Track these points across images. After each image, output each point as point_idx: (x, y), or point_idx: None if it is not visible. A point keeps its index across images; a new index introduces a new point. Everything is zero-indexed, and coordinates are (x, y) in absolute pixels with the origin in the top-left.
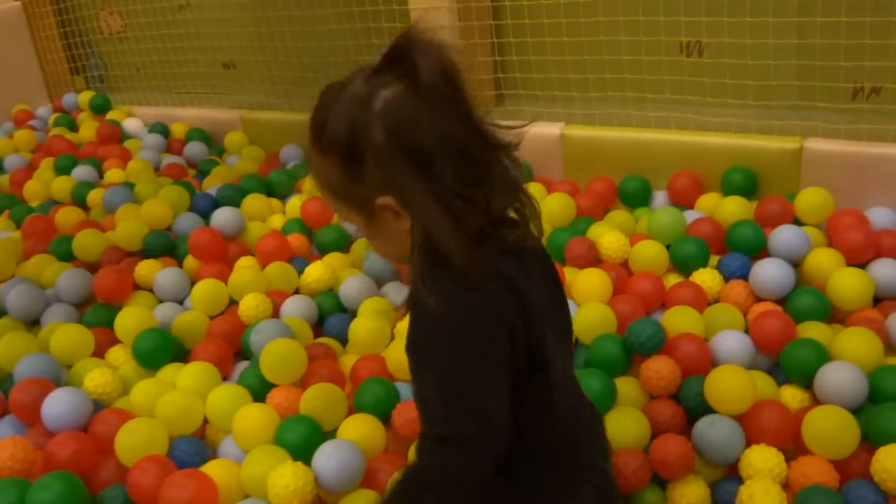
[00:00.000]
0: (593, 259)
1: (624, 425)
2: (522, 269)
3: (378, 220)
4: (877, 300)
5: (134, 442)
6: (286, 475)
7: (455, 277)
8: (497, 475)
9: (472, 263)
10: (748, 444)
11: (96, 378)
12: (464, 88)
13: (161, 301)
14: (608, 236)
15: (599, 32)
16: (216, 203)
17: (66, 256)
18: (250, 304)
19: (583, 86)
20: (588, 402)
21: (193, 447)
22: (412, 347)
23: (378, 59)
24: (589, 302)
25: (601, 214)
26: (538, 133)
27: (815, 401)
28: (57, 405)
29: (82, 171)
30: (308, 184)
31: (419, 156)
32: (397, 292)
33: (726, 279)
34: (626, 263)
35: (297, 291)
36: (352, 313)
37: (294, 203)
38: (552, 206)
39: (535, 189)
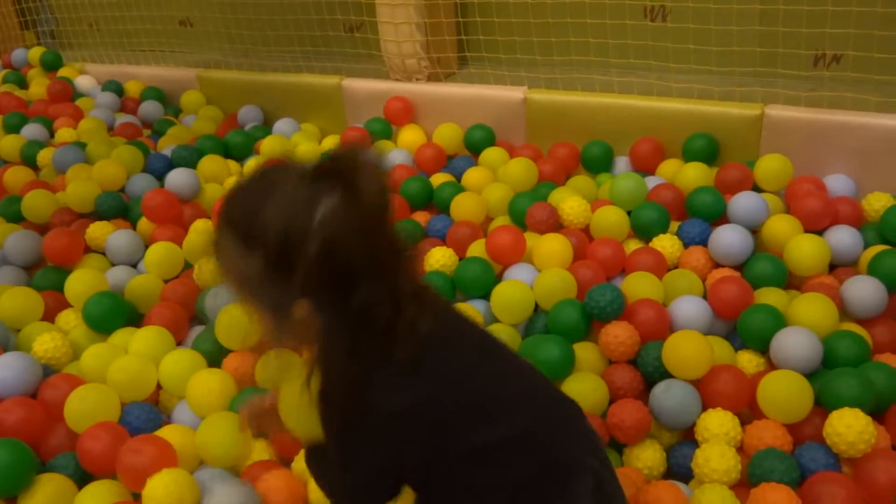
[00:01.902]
0: (554, 224)
1: (583, 390)
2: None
3: (287, 319)
4: (832, 267)
5: (84, 408)
6: None
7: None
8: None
9: (353, 387)
10: (704, 408)
11: (46, 342)
12: (391, 208)
13: (113, 264)
14: (570, 202)
15: None
16: (171, 164)
17: (16, 217)
18: (206, 268)
19: (546, 49)
20: (561, 402)
21: (146, 413)
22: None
23: (317, 162)
24: (549, 268)
25: (563, 179)
26: (501, 96)
27: (771, 366)
28: (4, 370)
29: (32, 130)
30: (265, 146)
31: (348, 271)
32: None
33: (686, 245)
34: (588, 229)
35: None
36: None
37: (251, 164)
38: (514, 171)
39: (496, 153)
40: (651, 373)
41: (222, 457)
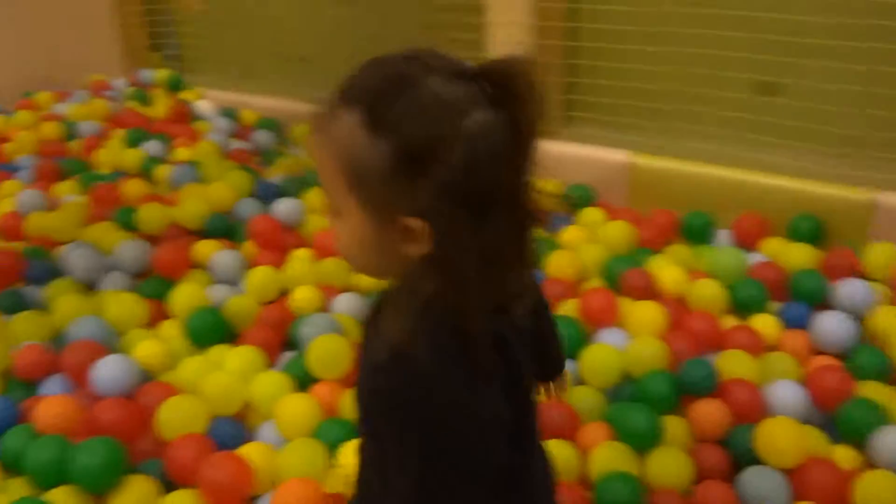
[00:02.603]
0: (650, 292)
1: (667, 465)
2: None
3: (387, 232)
4: None
5: (175, 418)
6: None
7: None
8: None
9: (482, 337)
10: (794, 500)
11: (146, 349)
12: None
13: (215, 282)
14: (668, 270)
15: (676, 63)
16: (278, 192)
17: (129, 226)
18: (303, 296)
19: (653, 115)
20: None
21: (233, 429)
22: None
23: (480, 66)
24: (642, 335)
25: (661, 247)
26: (604, 158)
27: (869, 464)
28: (107, 370)
29: (152, 146)
30: None
31: (484, 200)
32: None
33: (785, 327)
34: (684, 300)
35: (347, 290)
36: None
37: None
38: (612, 233)
39: (595, 214)
40: (740, 456)
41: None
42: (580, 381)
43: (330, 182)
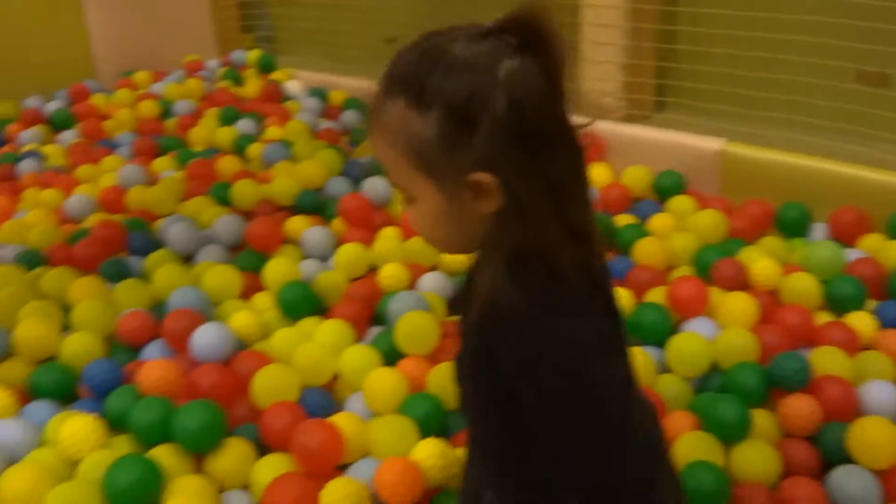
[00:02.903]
0: (741, 283)
1: (753, 458)
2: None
3: (459, 198)
4: None
5: (269, 386)
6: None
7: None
8: None
9: (570, 269)
10: (885, 502)
11: (241, 319)
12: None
13: (306, 257)
14: (761, 262)
15: (775, 50)
16: (367, 171)
17: (224, 201)
18: (391, 274)
19: (748, 103)
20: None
21: (322, 399)
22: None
23: (496, 21)
24: (732, 326)
25: (754, 238)
26: (696, 145)
27: None
28: (204, 338)
29: (245, 124)
30: None
31: (537, 138)
32: None
33: (882, 326)
34: (776, 293)
35: (434, 268)
36: None
37: None
38: (703, 222)
39: (685, 202)
40: (830, 454)
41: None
42: (667, 370)
43: (396, 172)
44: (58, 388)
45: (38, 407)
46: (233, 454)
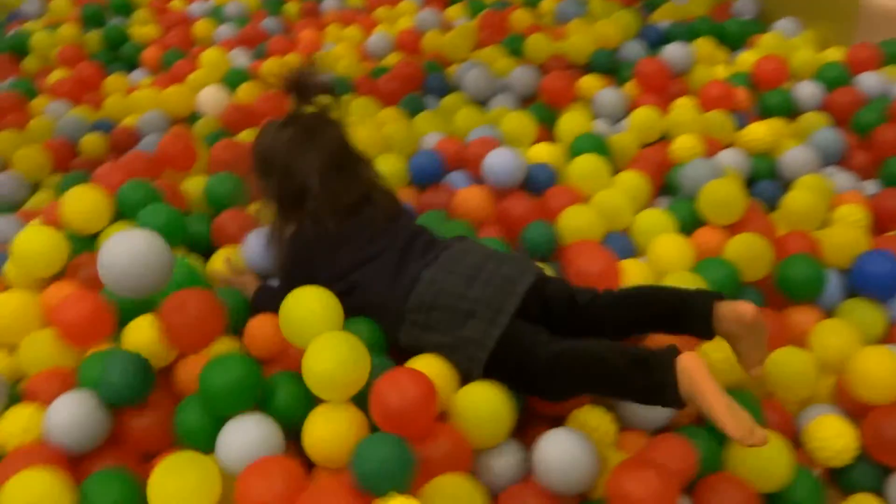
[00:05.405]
0: None
1: None
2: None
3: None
4: None
5: (574, 225)
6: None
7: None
8: None
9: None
10: None
11: (539, 154)
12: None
13: (596, 117)
14: None
15: None
16: (664, 37)
17: (516, 53)
18: (685, 144)
19: None
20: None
21: (625, 243)
22: None
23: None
24: None
25: None
26: None
27: None
28: (501, 160)
29: None
30: (765, 42)
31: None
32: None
33: None
34: None
35: (730, 145)
36: (784, 184)
37: (746, 57)
38: None
39: None
40: None
41: None
42: None
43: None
44: None
45: None
46: None
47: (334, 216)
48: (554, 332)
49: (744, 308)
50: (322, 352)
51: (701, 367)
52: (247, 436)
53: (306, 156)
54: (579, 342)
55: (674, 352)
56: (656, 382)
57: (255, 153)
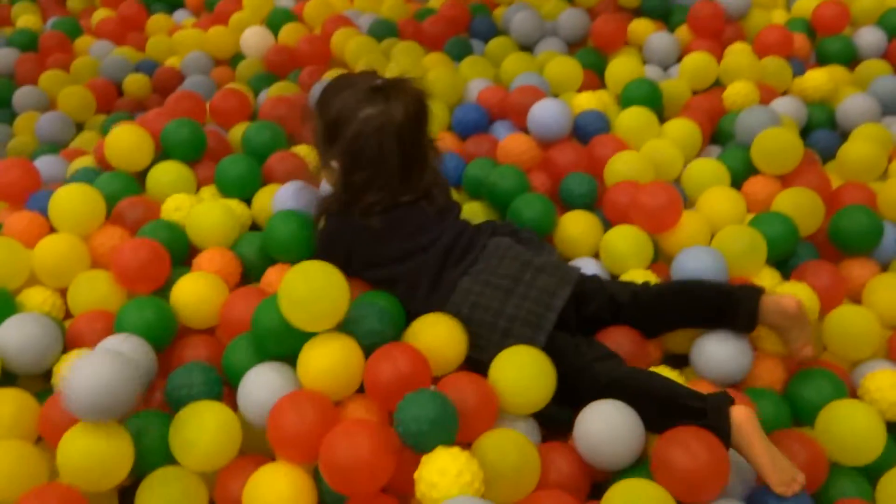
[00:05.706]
0: None
1: None
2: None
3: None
4: None
5: (620, 170)
6: None
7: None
8: None
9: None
10: None
11: (585, 102)
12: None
13: (647, 62)
14: None
15: None
16: None
17: None
18: (739, 91)
19: None
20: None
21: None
22: None
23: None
24: None
25: None
26: None
27: None
28: (546, 112)
29: None
30: None
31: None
32: None
33: None
34: None
35: (785, 93)
36: (842, 133)
37: (805, 2)
38: None
39: None
40: None
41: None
42: None
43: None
44: None
45: None
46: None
47: (386, 214)
48: (588, 325)
49: (787, 302)
50: (296, 280)
51: (753, 420)
52: (270, 383)
53: (384, 147)
54: (628, 373)
55: (729, 401)
56: (709, 427)
57: (328, 117)
